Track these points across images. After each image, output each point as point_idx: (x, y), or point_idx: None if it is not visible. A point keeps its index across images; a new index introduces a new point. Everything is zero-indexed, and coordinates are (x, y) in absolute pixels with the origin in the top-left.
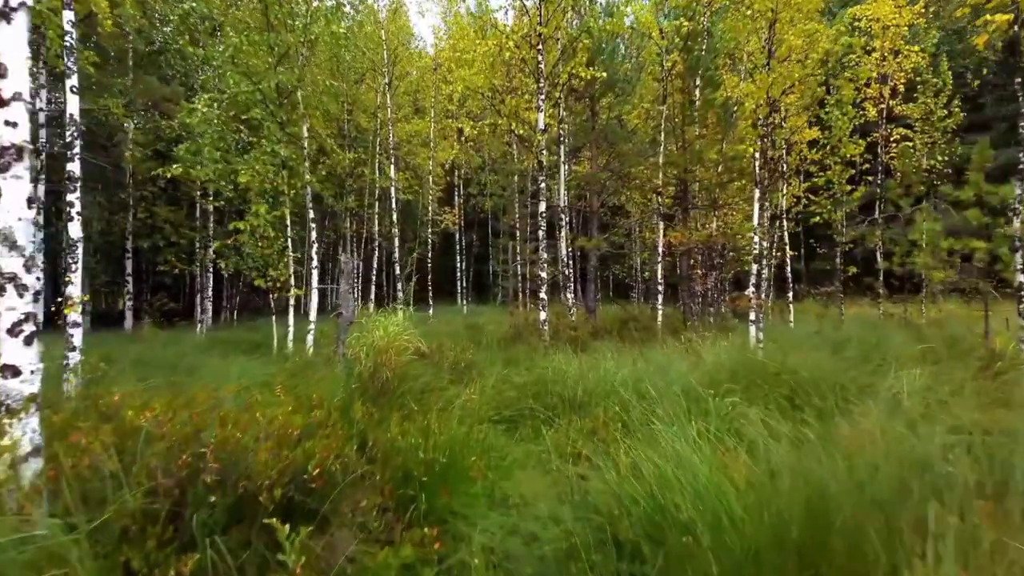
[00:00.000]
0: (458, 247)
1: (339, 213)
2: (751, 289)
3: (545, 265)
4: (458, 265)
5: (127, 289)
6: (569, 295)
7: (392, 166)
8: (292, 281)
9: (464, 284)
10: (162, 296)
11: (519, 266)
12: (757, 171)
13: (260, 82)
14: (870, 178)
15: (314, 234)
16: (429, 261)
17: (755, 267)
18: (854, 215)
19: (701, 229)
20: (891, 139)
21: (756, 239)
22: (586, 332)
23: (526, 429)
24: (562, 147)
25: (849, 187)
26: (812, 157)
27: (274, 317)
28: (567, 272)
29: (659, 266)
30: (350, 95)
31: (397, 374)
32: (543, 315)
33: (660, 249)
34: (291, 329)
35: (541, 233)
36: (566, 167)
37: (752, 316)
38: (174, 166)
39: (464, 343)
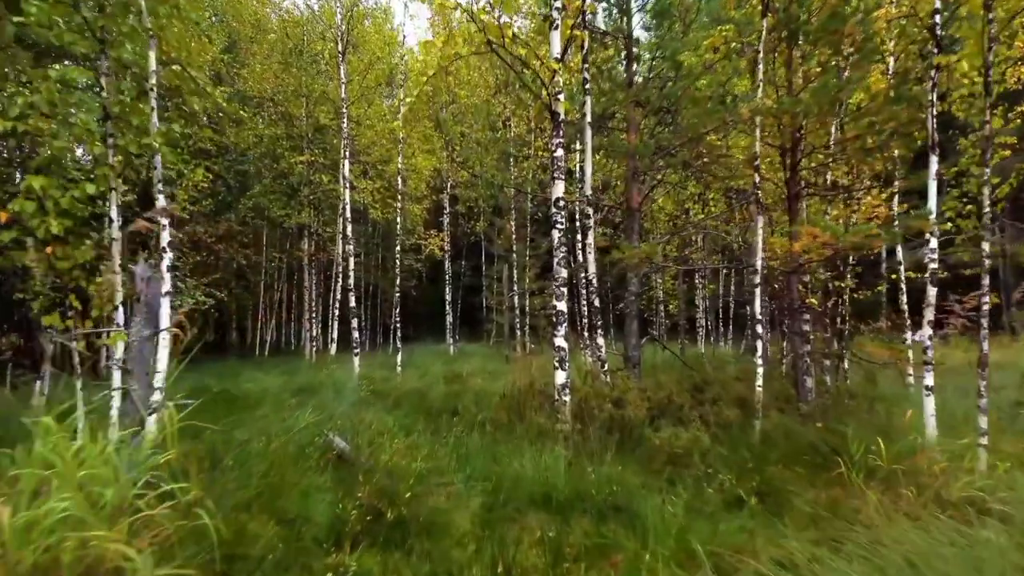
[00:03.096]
0: (446, 276)
1: (302, 232)
2: (924, 332)
3: (563, 291)
4: (446, 297)
5: None
6: (599, 338)
7: (346, 161)
8: (120, 317)
9: (453, 319)
10: None
11: (516, 297)
12: (932, 128)
13: None
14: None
15: (166, 235)
16: (398, 291)
17: (932, 292)
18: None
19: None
20: None
21: (932, 244)
22: (639, 408)
23: None
24: (588, 100)
25: (995, 179)
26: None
27: (80, 383)
28: (596, 302)
29: (757, 291)
30: (307, 86)
31: None
32: (562, 377)
33: (759, 262)
34: (115, 402)
35: (556, 236)
36: (592, 140)
37: (929, 380)
38: None
39: (425, 423)
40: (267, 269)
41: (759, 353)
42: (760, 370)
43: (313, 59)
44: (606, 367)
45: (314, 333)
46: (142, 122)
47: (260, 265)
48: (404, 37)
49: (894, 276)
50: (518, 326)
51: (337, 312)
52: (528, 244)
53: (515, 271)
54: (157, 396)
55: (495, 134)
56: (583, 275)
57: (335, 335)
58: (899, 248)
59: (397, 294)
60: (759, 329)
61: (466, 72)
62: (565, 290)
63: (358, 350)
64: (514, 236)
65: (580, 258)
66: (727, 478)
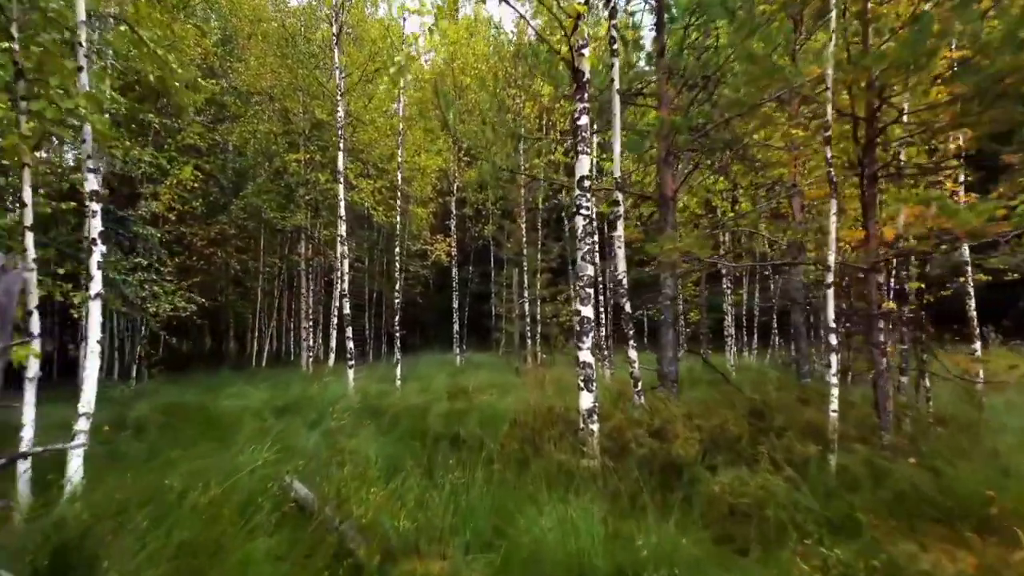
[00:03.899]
0: (454, 283)
1: (300, 236)
2: None
3: (589, 293)
4: (454, 305)
5: None
6: (632, 351)
7: (341, 154)
8: (35, 325)
9: (460, 327)
10: None
11: (526, 303)
12: None
13: None
14: None
15: (97, 223)
16: (398, 296)
17: None
18: None
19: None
20: None
21: None
22: (689, 442)
23: None
24: (616, 64)
25: None
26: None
27: None
28: (627, 307)
29: (829, 293)
30: (304, 79)
31: None
32: (588, 400)
33: (832, 257)
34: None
35: (581, 223)
36: (621, 116)
37: None
38: None
39: (419, 455)
40: (266, 275)
41: (833, 370)
42: (835, 391)
43: (311, 54)
44: (639, 386)
45: (311, 343)
46: (64, 83)
47: (257, 271)
48: (405, 18)
49: (962, 279)
50: (529, 335)
51: (336, 320)
52: (539, 248)
53: (525, 276)
54: (82, 424)
55: (503, 114)
56: (608, 275)
57: (334, 345)
58: (965, 247)
59: (397, 300)
60: (833, 340)
61: (473, 62)
62: (592, 291)
63: (352, 362)
64: (524, 240)
65: (591, 258)
66: (836, 553)
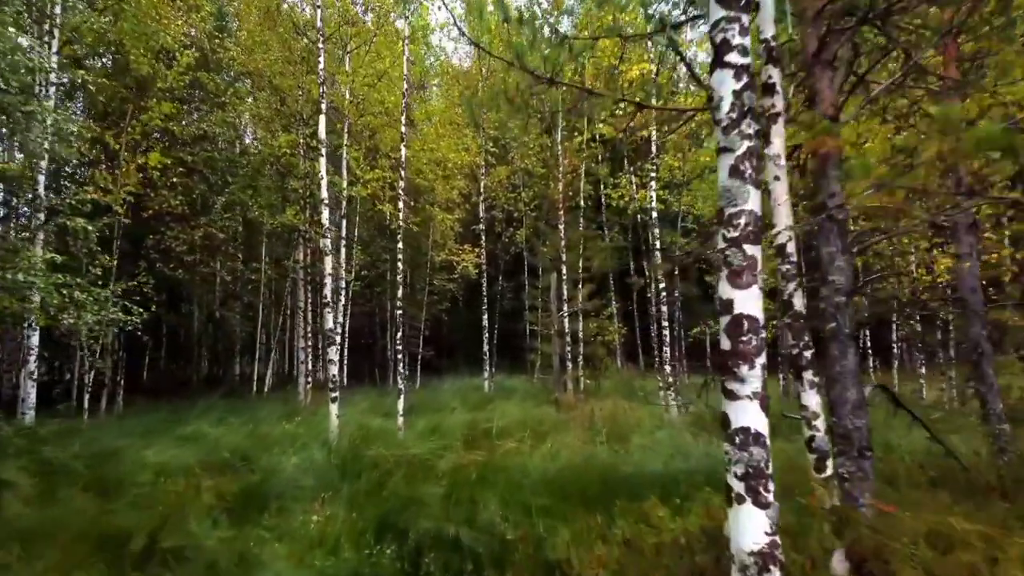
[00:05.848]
0: (483, 297)
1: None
2: None
3: (753, 257)
4: (483, 323)
5: None
6: (809, 394)
7: (323, 116)
8: None
9: (490, 347)
10: None
11: (566, 318)
12: None
13: None
14: None
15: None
16: (401, 310)
17: None
18: None
19: None
20: None
21: None
22: None
23: None
24: None
25: None
26: None
27: None
28: (797, 301)
29: None
30: (301, 53)
31: None
32: (760, 526)
33: None
34: None
35: (729, 86)
36: None
37: None
38: None
39: None
40: (270, 287)
41: None
42: None
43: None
44: (830, 468)
45: (309, 366)
46: None
47: (258, 282)
48: None
49: None
50: (569, 356)
51: (341, 339)
52: (580, 252)
53: (565, 286)
54: None
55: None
56: (780, 241)
57: (334, 373)
58: None
59: (400, 312)
60: None
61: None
62: (758, 253)
63: (336, 394)
64: (563, 242)
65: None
66: None
